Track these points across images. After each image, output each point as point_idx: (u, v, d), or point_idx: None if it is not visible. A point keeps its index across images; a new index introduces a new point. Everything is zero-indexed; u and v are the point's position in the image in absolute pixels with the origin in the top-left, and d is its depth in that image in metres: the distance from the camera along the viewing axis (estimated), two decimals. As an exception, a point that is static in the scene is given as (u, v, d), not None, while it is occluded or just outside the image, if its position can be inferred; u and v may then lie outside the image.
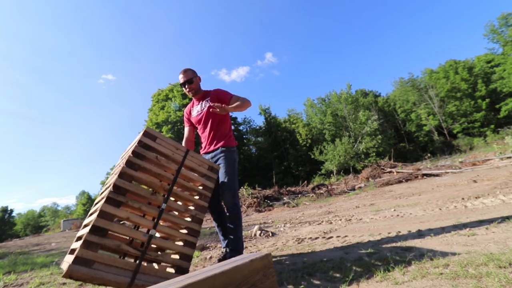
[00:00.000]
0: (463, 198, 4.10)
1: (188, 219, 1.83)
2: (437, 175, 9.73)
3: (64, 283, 2.47)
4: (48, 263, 3.81)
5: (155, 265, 1.84)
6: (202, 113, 2.37)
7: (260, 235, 3.84)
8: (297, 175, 27.89)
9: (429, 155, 23.14)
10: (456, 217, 2.87)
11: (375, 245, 2.29)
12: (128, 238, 1.78)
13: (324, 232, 3.35)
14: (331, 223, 4.11)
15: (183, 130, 25.59)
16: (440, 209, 3.60)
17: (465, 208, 3.36)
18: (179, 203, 1.83)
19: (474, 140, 24.40)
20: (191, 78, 2.35)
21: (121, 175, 1.59)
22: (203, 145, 2.44)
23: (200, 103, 2.41)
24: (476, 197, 3.97)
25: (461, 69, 29.45)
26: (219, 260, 2.11)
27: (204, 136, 2.40)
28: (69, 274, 1.33)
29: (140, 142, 1.73)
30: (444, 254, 1.72)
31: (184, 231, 1.80)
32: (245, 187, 12.42)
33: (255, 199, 10.64)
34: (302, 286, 1.55)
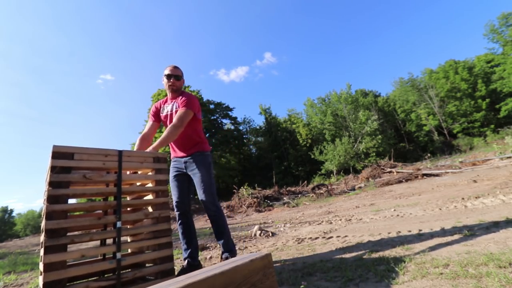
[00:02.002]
0: (463, 198, 4.10)
1: (153, 223, 1.69)
2: (437, 175, 9.73)
3: (64, 283, 2.47)
4: (48, 263, 3.81)
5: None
6: (172, 114, 2.27)
7: (260, 235, 3.84)
8: (297, 175, 27.89)
9: (429, 155, 23.15)
10: (456, 217, 2.87)
11: (375, 245, 2.29)
12: (92, 275, 1.62)
13: (324, 232, 3.35)
14: (331, 223, 4.11)
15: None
16: (440, 209, 3.60)
17: (465, 208, 3.36)
18: (135, 212, 1.68)
19: (474, 140, 24.39)
20: (179, 75, 2.33)
21: (49, 216, 1.32)
22: (174, 148, 2.36)
23: (172, 103, 2.34)
24: (476, 197, 3.97)
25: (461, 69, 29.44)
26: (179, 274, 1.85)
27: (176, 139, 2.23)
28: None
29: (53, 169, 1.39)
30: (444, 254, 1.72)
31: (153, 236, 1.66)
32: (245, 187, 12.42)
33: (255, 199, 10.64)
34: (302, 286, 1.55)
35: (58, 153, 1.42)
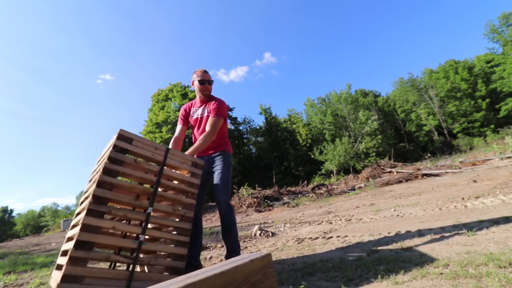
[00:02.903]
0: (463, 198, 4.10)
1: (177, 219, 1.79)
2: (437, 175, 9.74)
3: (64, 283, 2.47)
4: (48, 263, 3.81)
5: (149, 270, 1.78)
6: (203, 118, 2.38)
7: (260, 235, 3.84)
8: (297, 175, 27.88)
9: (429, 155, 23.14)
10: (456, 217, 2.87)
11: (375, 245, 2.29)
12: (116, 248, 1.71)
13: (324, 232, 3.35)
14: (331, 223, 4.11)
15: (183, 130, 25.42)
16: (440, 209, 3.60)
17: (465, 208, 3.36)
18: (166, 204, 1.79)
19: (474, 140, 24.39)
20: (211, 80, 2.41)
21: (100, 184, 1.51)
22: None
23: (203, 107, 2.42)
24: (476, 197, 3.97)
25: (461, 69, 29.44)
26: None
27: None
28: None
29: (115, 147, 1.62)
30: (444, 254, 1.72)
31: (174, 231, 1.76)
32: (245, 187, 12.41)
33: (255, 199, 10.63)
34: (302, 286, 1.55)
35: (122, 136, 1.67)
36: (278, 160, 30.91)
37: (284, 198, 11.53)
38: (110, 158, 1.58)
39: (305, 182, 17.07)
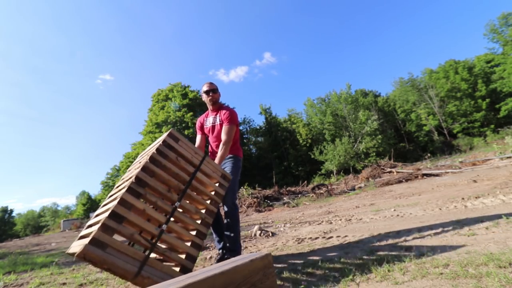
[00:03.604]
0: (463, 198, 4.10)
1: (198, 221, 1.89)
2: (437, 175, 9.74)
3: (64, 283, 2.47)
4: (48, 263, 3.81)
5: (161, 261, 1.86)
6: (215, 126, 2.62)
7: (260, 235, 3.84)
8: (297, 175, 27.87)
9: (429, 155, 23.14)
10: (456, 217, 2.87)
11: (375, 245, 2.29)
12: (140, 229, 1.79)
13: (324, 232, 3.35)
14: (331, 223, 4.11)
15: (183, 130, 25.30)
16: (440, 209, 3.60)
17: (465, 208, 3.36)
18: (191, 204, 1.92)
19: (474, 140, 24.38)
20: (215, 88, 2.68)
21: (144, 169, 1.70)
22: (213, 152, 2.67)
23: (214, 116, 2.66)
24: (476, 197, 3.97)
25: (461, 69, 29.43)
26: (218, 261, 2.19)
27: (215, 145, 2.64)
28: (83, 254, 1.36)
29: (164, 142, 1.87)
30: (444, 254, 1.72)
31: (193, 232, 1.85)
32: (245, 187, 12.41)
33: (255, 199, 10.63)
34: (302, 286, 1.55)
35: (171, 134, 1.95)
36: (278, 160, 30.90)
37: (284, 198, 11.53)
38: (157, 150, 1.82)
39: (305, 182, 17.08)
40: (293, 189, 13.80)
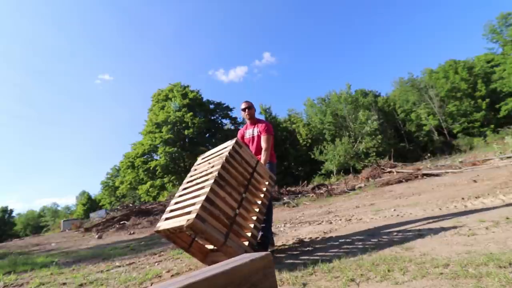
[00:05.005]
0: (463, 198, 4.10)
1: (256, 209, 2.44)
2: (437, 175, 9.74)
3: (64, 283, 2.47)
4: (48, 263, 3.82)
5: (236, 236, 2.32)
6: (254, 137, 3.17)
7: (260, 235, 3.85)
8: (297, 175, 27.86)
9: (429, 155, 23.12)
10: (456, 217, 2.87)
11: (375, 245, 2.29)
12: (222, 211, 2.26)
13: (324, 232, 3.35)
14: (331, 223, 4.11)
15: (183, 130, 25.18)
16: (440, 209, 3.60)
17: (465, 208, 3.36)
18: (252, 196, 2.48)
19: (474, 140, 24.39)
20: (251, 106, 3.26)
21: (223, 167, 2.29)
22: None
23: (252, 128, 3.21)
24: (476, 197, 3.97)
25: (461, 69, 29.43)
26: (258, 245, 2.55)
27: (254, 153, 3.10)
28: (192, 225, 1.87)
29: (233, 148, 2.48)
30: (444, 254, 1.72)
31: (254, 217, 2.40)
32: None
33: (255, 199, 10.61)
34: (302, 286, 1.56)
35: (237, 143, 2.56)
36: (278, 160, 30.80)
37: (284, 198, 11.52)
38: (230, 154, 2.40)
39: (305, 182, 17.06)
40: (293, 189, 13.79)
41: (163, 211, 13.58)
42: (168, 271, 2.45)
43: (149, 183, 24.95)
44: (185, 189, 2.50)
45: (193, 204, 2.09)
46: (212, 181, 2.14)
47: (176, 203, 2.40)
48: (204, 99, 29.46)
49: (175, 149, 24.82)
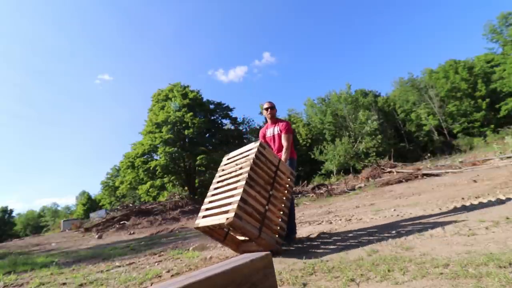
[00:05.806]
0: (463, 198, 4.10)
1: (282, 204, 2.70)
2: (437, 175, 9.73)
3: (64, 283, 2.47)
4: (48, 263, 3.82)
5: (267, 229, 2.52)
6: (275, 136, 3.37)
7: (260, 235, 3.84)
8: (297, 175, 27.83)
9: (429, 155, 23.12)
10: (456, 217, 2.87)
11: (375, 245, 2.29)
12: (254, 208, 2.47)
13: (324, 232, 3.35)
14: (331, 223, 4.11)
15: (183, 130, 25.15)
16: (440, 209, 3.60)
17: (465, 208, 3.35)
18: (277, 192, 2.70)
19: (474, 140, 24.39)
20: (273, 106, 3.43)
21: (251, 168, 2.51)
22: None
23: (273, 127, 3.40)
24: (476, 197, 3.97)
25: (461, 69, 29.42)
26: (285, 236, 2.77)
27: (275, 150, 3.31)
28: (232, 223, 2.13)
29: (258, 150, 2.68)
30: (444, 254, 1.72)
31: (280, 212, 2.65)
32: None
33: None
34: (302, 286, 1.55)
35: (261, 144, 2.77)
36: (278, 160, 30.85)
37: (284, 198, 11.50)
38: (256, 156, 2.62)
39: (305, 182, 17.07)
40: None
41: (163, 211, 13.63)
42: (168, 271, 2.44)
43: (149, 183, 24.92)
44: (216, 188, 2.74)
45: (229, 204, 2.32)
46: (243, 182, 2.37)
47: (210, 202, 2.64)
48: (204, 99, 29.42)
49: (175, 149, 24.78)
